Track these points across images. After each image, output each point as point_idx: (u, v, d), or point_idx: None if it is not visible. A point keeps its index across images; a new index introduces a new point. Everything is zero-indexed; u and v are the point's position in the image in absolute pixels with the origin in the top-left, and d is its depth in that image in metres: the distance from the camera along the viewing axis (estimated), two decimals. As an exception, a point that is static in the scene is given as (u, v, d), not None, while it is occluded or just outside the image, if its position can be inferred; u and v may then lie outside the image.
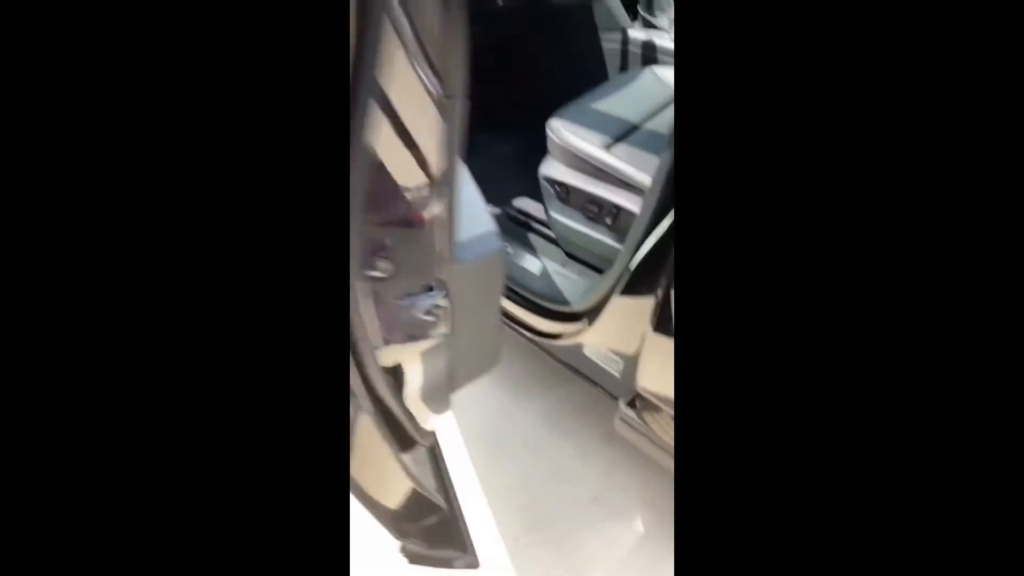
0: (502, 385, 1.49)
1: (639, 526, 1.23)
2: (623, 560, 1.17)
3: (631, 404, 0.94)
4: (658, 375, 0.86)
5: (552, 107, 1.16)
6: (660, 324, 0.80)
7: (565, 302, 1.08)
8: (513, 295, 1.16)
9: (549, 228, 1.24)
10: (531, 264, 1.20)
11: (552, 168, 1.13)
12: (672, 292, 0.78)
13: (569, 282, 1.14)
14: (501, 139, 1.73)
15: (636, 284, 0.86)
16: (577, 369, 1.13)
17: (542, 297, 1.12)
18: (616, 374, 0.99)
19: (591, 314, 0.99)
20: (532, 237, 1.30)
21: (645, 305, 0.83)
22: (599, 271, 1.15)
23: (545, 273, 1.17)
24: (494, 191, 1.50)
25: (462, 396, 1.45)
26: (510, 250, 1.24)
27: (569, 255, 1.22)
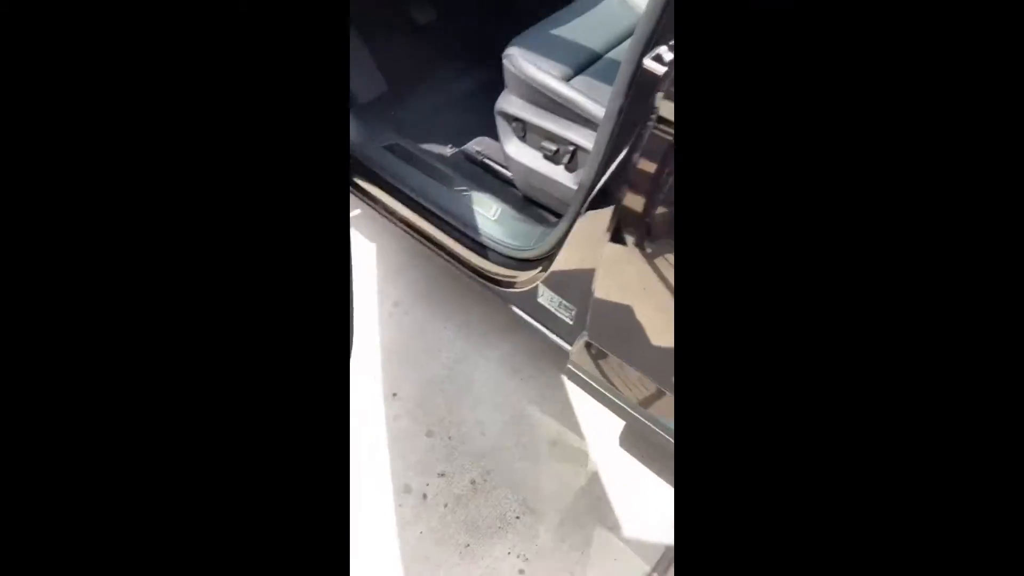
0: (462, 334, 1.46)
1: (592, 465, 1.26)
2: (575, 498, 1.21)
3: (588, 351, 0.92)
4: (613, 285, 0.81)
5: (512, 35, 1.05)
6: (615, 235, 0.75)
7: (520, 248, 1.03)
8: (467, 240, 1.11)
9: (507, 169, 1.17)
10: (487, 207, 1.14)
11: (509, 102, 1.04)
12: (625, 205, 0.72)
13: (526, 227, 1.08)
14: (461, 73, 1.60)
15: (593, 203, 0.80)
16: (530, 315, 1.10)
17: (497, 242, 1.07)
18: (569, 321, 0.96)
19: (546, 261, 0.95)
20: (489, 179, 1.23)
21: (602, 218, 0.76)
22: (557, 215, 1.10)
23: (501, 217, 1.11)
24: (453, 129, 1.41)
25: (423, 349, 1.43)
26: (466, 192, 1.17)
27: (527, 198, 1.16)
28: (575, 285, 0.88)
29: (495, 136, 1.20)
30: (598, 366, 0.93)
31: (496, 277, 1.08)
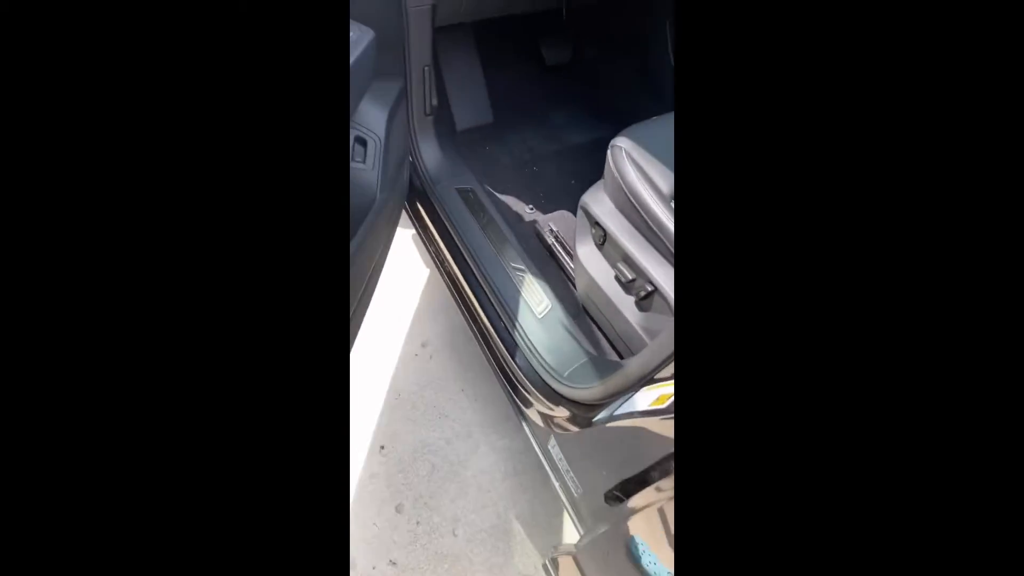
0: (478, 405, 1.29)
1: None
2: None
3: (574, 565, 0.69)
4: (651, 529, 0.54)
5: (650, 103, 0.84)
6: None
7: (552, 371, 0.83)
8: (500, 324, 0.92)
9: (572, 266, 0.98)
10: (536, 299, 0.94)
11: (596, 200, 0.84)
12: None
13: (570, 346, 0.88)
14: (578, 122, 1.42)
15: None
16: (538, 447, 0.89)
17: (529, 347, 0.87)
18: (574, 492, 0.75)
19: (575, 409, 0.74)
20: (552, 266, 1.03)
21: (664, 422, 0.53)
22: (618, 353, 0.89)
23: (547, 318, 0.92)
24: (544, 187, 1.23)
25: (431, 407, 1.27)
26: (520, 272, 0.99)
27: (586, 310, 0.95)
28: (595, 477, 0.66)
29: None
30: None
31: (514, 382, 0.89)
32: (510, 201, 1.19)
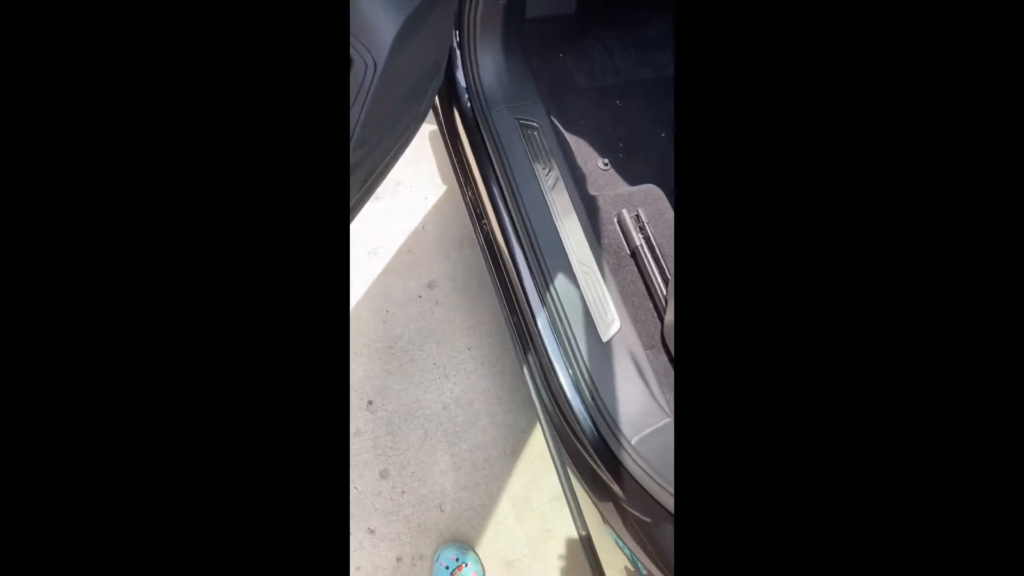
0: (485, 368, 1.11)
1: None
2: None
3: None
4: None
5: None
6: None
7: (617, 427, 0.64)
8: (550, 335, 0.71)
9: (665, 285, 0.73)
10: (602, 312, 0.71)
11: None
12: None
13: (643, 393, 0.67)
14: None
15: None
16: (575, 514, 0.74)
17: (588, 385, 0.67)
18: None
19: (650, 512, 0.57)
20: (627, 273, 0.78)
21: None
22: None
23: (616, 345, 0.70)
24: (625, 131, 0.91)
25: (430, 363, 1.07)
26: (587, 267, 0.74)
27: (669, 351, 0.73)
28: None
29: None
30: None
31: (564, 429, 0.70)
32: (581, 147, 0.88)
